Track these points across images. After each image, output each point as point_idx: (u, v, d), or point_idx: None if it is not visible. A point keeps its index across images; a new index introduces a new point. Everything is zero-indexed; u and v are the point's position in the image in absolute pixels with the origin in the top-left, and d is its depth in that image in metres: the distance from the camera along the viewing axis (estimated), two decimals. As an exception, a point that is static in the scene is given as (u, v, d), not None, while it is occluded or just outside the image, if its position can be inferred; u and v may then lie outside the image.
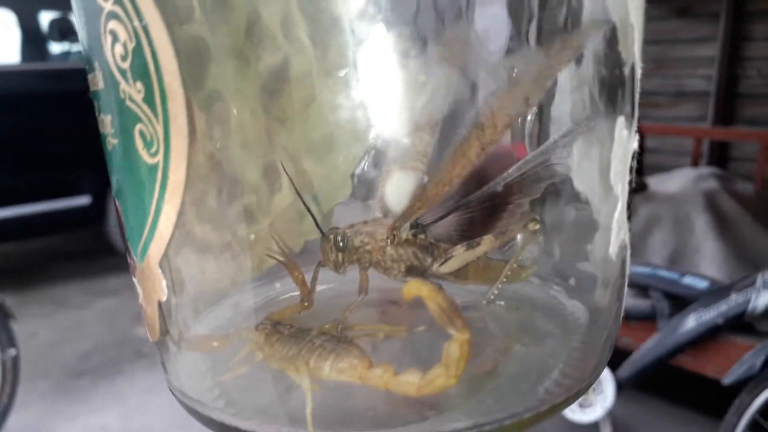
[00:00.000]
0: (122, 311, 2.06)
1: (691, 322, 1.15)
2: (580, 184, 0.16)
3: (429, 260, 0.17)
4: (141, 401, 1.55)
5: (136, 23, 0.13)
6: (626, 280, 0.17)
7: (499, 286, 0.17)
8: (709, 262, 1.40)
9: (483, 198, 0.16)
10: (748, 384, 1.04)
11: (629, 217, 0.17)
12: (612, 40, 0.15)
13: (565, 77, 0.15)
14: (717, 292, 1.16)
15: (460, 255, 0.17)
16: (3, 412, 1.31)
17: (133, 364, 1.73)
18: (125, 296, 2.16)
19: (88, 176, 2.28)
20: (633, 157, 0.16)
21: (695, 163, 2.02)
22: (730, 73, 2.40)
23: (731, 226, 1.47)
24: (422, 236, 0.17)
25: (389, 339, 0.16)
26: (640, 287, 1.26)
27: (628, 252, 0.17)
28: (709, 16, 2.42)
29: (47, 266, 2.54)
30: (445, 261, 0.17)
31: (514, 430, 0.14)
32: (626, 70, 0.15)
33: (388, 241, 0.17)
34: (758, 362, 1.04)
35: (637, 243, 1.48)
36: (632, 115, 0.16)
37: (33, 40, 2.32)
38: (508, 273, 0.17)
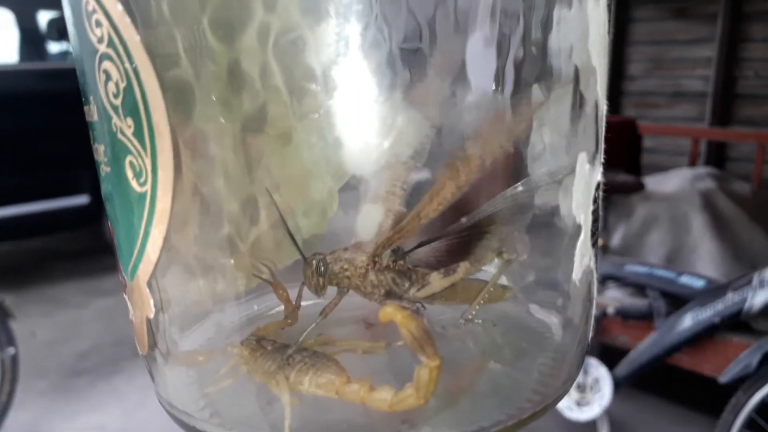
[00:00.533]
0: (120, 311, 2.04)
1: (688, 321, 1.16)
2: (546, 214, 0.17)
3: (407, 285, 0.18)
4: (139, 400, 1.55)
5: (127, 65, 0.14)
6: (593, 302, 0.18)
7: (477, 307, 0.18)
8: (706, 261, 1.41)
9: (461, 228, 0.17)
10: (744, 382, 1.04)
11: (594, 244, 0.17)
12: (575, 81, 0.16)
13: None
14: (714, 291, 1.16)
15: (436, 281, 0.17)
16: (2, 411, 1.32)
17: (132, 363, 1.73)
18: (123, 295, 2.16)
19: (87, 175, 2.28)
20: (597, 188, 0.17)
21: (692, 163, 2.02)
22: (727, 73, 2.41)
23: (728, 226, 1.47)
24: (401, 262, 0.18)
25: (368, 354, 0.17)
26: (638, 286, 1.27)
27: (594, 276, 0.18)
28: (707, 17, 2.43)
29: (45, 265, 2.54)
30: (423, 287, 0.18)
31: None
32: (588, 108, 0.16)
33: (368, 267, 0.17)
34: (754, 361, 1.04)
35: (635, 242, 1.49)
36: (596, 149, 0.17)
37: (31, 40, 2.32)
38: (486, 296, 0.18)
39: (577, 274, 0.17)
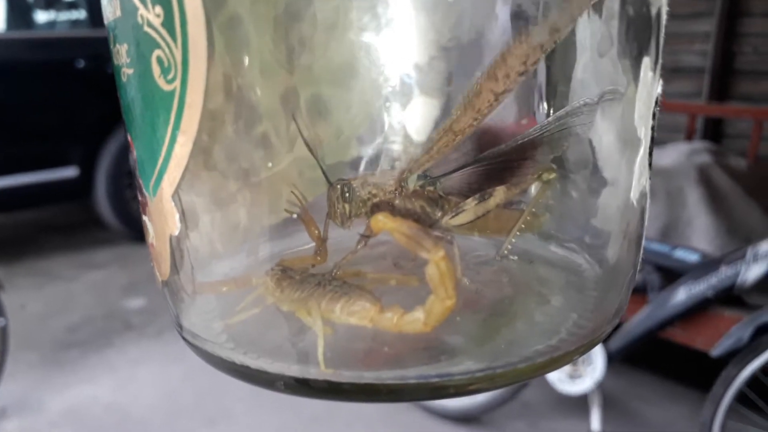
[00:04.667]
0: (111, 284, 2.05)
1: (682, 294, 1.16)
2: (601, 127, 0.16)
3: (438, 213, 0.17)
4: (130, 372, 1.55)
5: None
6: (644, 229, 0.17)
7: (513, 240, 0.17)
8: (700, 235, 1.41)
9: (498, 153, 0.16)
10: (735, 356, 1.05)
11: (650, 164, 0.16)
12: None
13: (592, 12, 0.14)
14: (707, 265, 1.16)
15: (471, 209, 0.16)
16: (-8, 382, 1.31)
17: (122, 336, 1.73)
18: (113, 269, 2.16)
19: (75, 147, 2.26)
20: (656, 103, 0.16)
21: (689, 140, 2.01)
22: (725, 49, 2.39)
23: (723, 201, 1.47)
24: (431, 189, 0.17)
25: (400, 287, 0.16)
26: (632, 260, 1.26)
27: (648, 201, 0.17)
28: (706, -9, 2.40)
29: (35, 238, 2.52)
30: (456, 214, 0.16)
31: (527, 373, 0.14)
32: (653, 11, 0.15)
33: (396, 192, 0.16)
34: (746, 334, 1.05)
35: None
36: (657, 58, 0.16)
37: (18, 8, 2.27)
38: (522, 226, 0.17)
39: (634, 194, 0.16)
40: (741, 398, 1.04)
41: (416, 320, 0.14)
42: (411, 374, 0.14)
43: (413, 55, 0.13)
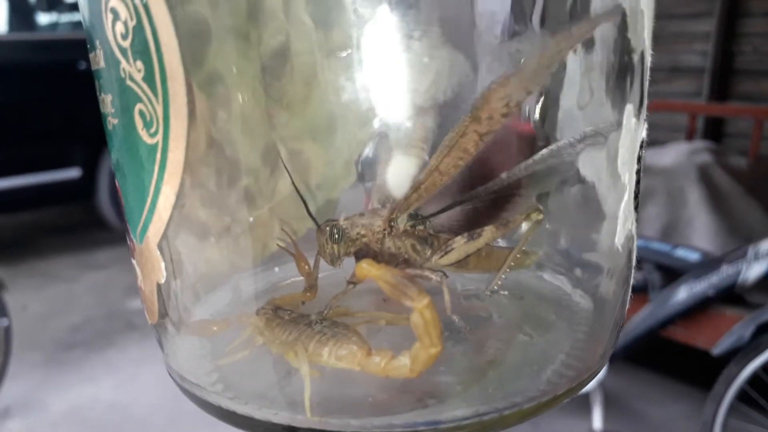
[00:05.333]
0: (112, 284, 2.05)
1: (683, 293, 1.16)
2: (587, 172, 0.16)
3: (428, 252, 0.17)
4: (132, 373, 1.56)
5: (137, 1, 0.13)
6: (632, 270, 0.17)
7: (503, 276, 0.17)
8: (701, 234, 1.41)
9: (488, 191, 0.16)
10: (737, 354, 1.05)
11: (636, 207, 0.16)
12: (622, 26, 0.14)
13: (573, 62, 0.15)
14: (708, 264, 1.16)
15: (460, 247, 0.16)
16: (-5, 382, 1.31)
17: (124, 336, 1.73)
18: (115, 269, 2.16)
19: (78, 149, 2.26)
20: (641, 146, 0.16)
21: (690, 139, 2.01)
22: (725, 48, 2.39)
23: (724, 200, 1.47)
24: (421, 227, 0.17)
25: (391, 326, 0.16)
26: (633, 259, 1.26)
27: (635, 242, 0.17)
28: (706, -10, 2.40)
29: (37, 239, 2.52)
30: (445, 253, 0.16)
31: (514, 419, 0.14)
32: (635, 57, 0.15)
33: (385, 232, 0.16)
34: (747, 333, 1.05)
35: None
36: (641, 103, 0.16)
37: (20, 10, 2.28)
38: (512, 263, 0.17)
39: (619, 239, 0.16)
40: (742, 396, 1.04)
41: (403, 366, 0.14)
42: (398, 422, 0.14)
43: (391, 113, 0.13)
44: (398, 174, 0.15)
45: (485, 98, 0.13)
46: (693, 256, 1.21)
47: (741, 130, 2.35)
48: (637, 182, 0.16)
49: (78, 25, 2.37)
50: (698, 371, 1.28)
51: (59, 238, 2.52)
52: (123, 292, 2.00)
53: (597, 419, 1.20)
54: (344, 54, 0.13)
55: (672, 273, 1.21)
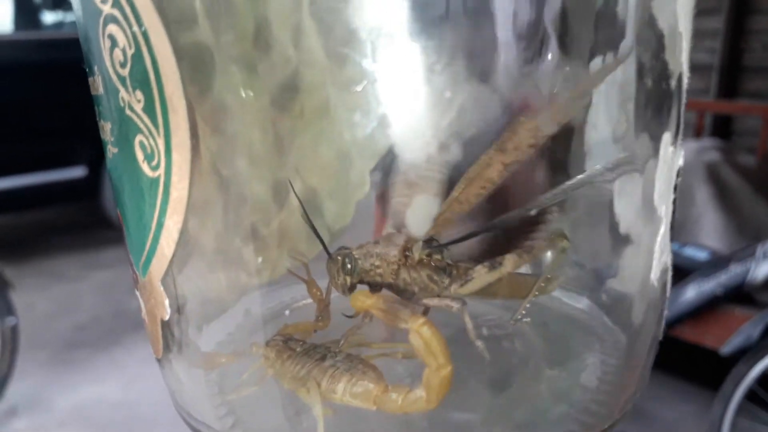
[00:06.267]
0: (118, 284, 2.05)
1: (691, 292, 1.15)
2: (620, 205, 0.15)
3: (446, 281, 0.16)
4: (139, 372, 1.56)
5: (135, 28, 0.12)
6: (666, 302, 0.16)
7: (527, 305, 0.16)
8: (709, 233, 1.40)
9: (511, 220, 0.15)
10: (745, 354, 1.04)
11: (672, 239, 0.15)
12: (659, 49, 0.13)
13: (606, 88, 0.14)
14: (717, 262, 1.16)
15: (480, 276, 0.15)
16: (2, 381, 1.32)
17: (131, 336, 1.73)
18: (121, 269, 2.16)
19: (83, 147, 2.26)
20: (678, 174, 0.15)
21: (698, 137, 2.00)
22: (734, 46, 2.37)
23: (732, 198, 1.46)
24: (438, 257, 0.16)
25: (408, 359, 0.15)
26: (640, 258, 1.26)
27: (670, 275, 0.16)
28: (714, -13, 2.38)
29: (42, 239, 2.53)
30: (465, 283, 0.16)
31: None
32: (673, 82, 0.14)
33: (400, 263, 0.15)
34: (756, 332, 1.04)
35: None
36: (677, 131, 0.15)
37: (26, 9, 2.28)
38: (536, 292, 0.16)
39: (655, 274, 0.15)
40: (751, 396, 1.03)
41: (419, 399, 0.13)
42: None
43: (410, 151, 0.13)
44: (419, 215, 0.15)
45: (513, 131, 0.12)
46: (701, 255, 1.20)
47: (749, 128, 2.34)
48: (673, 212, 0.15)
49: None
50: (706, 371, 1.27)
51: (65, 238, 2.53)
52: (129, 291, 1.99)
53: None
54: (358, 88, 0.12)
55: (680, 272, 1.20)
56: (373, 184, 0.15)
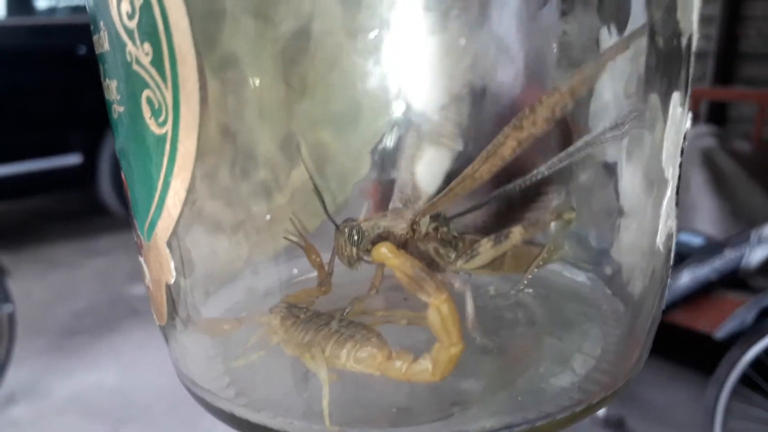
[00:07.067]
0: (115, 271, 2.05)
1: (685, 277, 1.16)
2: (628, 169, 0.15)
3: (452, 255, 0.16)
4: (136, 358, 1.56)
5: None
6: (670, 269, 0.16)
7: (530, 276, 0.16)
8: (704, 218, 1.40)
9: (515, 190, 0.15)
10: (739, 338, 1.05)
11: (677, 203, 0.15)
12: (671, 7, 0.13)
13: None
14: (711, 248, 1.16)
15: (486, 250, 0.15)
16: (0, 368, 1.32)
17: (128, 322, 1.73)
18: (117, 256, 2.16)
19: (78, 134, 2.25)
20: (685, 137, 0.15)
21: (693, 123, 2.00)
22: (730, 32, 2.37)
23: (727, 184, 1.47)
24: (444, 229, 0.15)
25: (412, 326, 0.15)
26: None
27: (674, 240, 0.16)
28: (710, -27, 2.37)
29: (38, 226, 2.52)
30: (471, 258, 0.15)
31: (547, 431, 0.13)
32: (684, 41, 0.14)
33: (407, 236, 0.15)
34: (750, 316, 1.05)
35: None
36: (686, 91, 0.14)
37: (18, -6, 2.26)
38: (540, 263, 0.16)
39: (660, 238, 0.15)
40: (745, 380, 1.04)
41: (424, 370, 0.13)
42: None
43: (423, 101, 0.12)
44: (430, 168, 0.14)
45: (533, 110, 0.12)
46: (696, 241, 1.21)
47: (745, 115, 2.34)
48: (679, 176, 0.15)
49: (77, 9, 2.35)
50: (701, 355, 1.28)
51: (61, 225, 2.52)
52: (126, 278, 2.00)
53: (599, 403, 1.21)
54: (372, 35, 0.11)
55: (675, 257, 1.20)
56: (374, 163, 0.14)
